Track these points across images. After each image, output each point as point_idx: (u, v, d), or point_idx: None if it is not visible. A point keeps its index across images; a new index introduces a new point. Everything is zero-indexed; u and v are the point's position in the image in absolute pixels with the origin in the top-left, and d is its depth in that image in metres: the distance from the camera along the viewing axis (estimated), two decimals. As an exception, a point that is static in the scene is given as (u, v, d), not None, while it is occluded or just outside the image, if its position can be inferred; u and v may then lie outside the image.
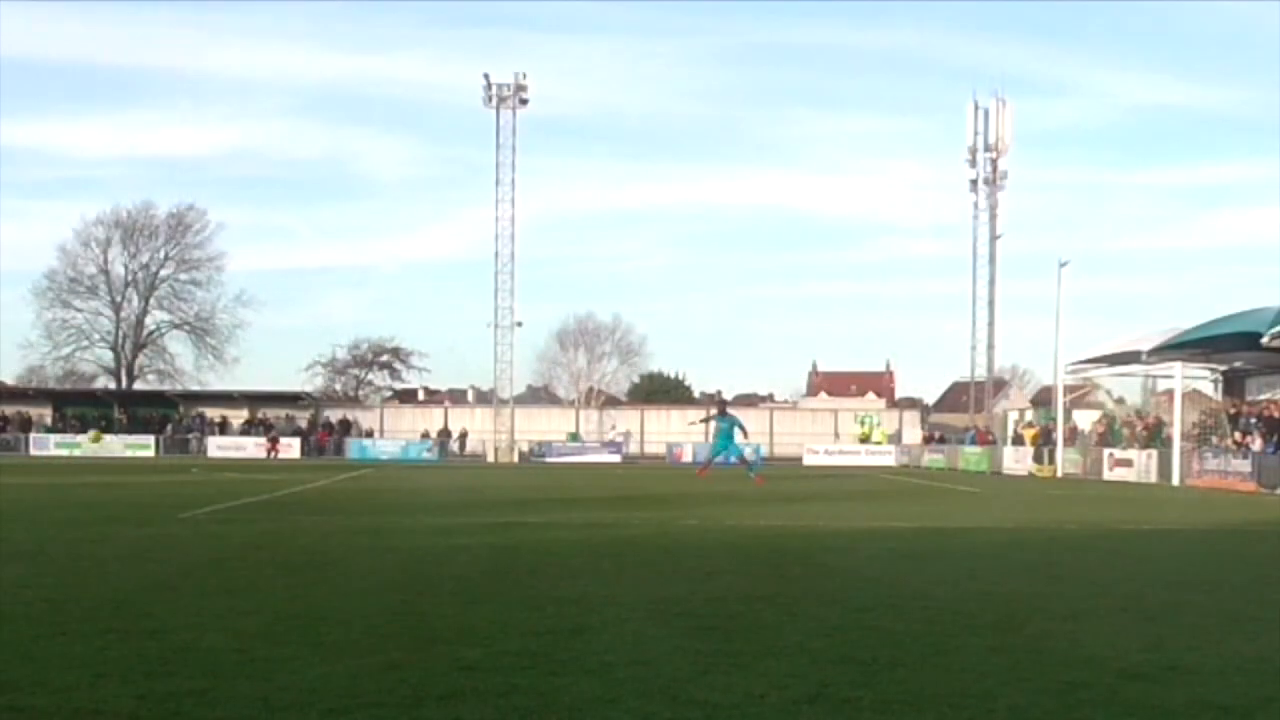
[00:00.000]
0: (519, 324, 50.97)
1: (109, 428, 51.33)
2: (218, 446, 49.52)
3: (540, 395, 75.89)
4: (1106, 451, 33.27)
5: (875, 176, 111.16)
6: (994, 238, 50.77)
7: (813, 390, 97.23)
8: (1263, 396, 30.82)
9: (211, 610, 6.17)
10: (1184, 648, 5.36)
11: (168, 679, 4.46)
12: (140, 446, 49.35)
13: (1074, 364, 36.86)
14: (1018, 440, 40.67)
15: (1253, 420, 27.77)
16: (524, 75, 49.99)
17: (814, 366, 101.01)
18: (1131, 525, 13.79)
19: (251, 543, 10.13)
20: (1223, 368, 32.77)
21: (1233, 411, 29.67)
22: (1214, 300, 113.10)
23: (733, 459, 27.78)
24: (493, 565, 8.54)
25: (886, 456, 48.14)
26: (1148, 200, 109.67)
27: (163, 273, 68.83)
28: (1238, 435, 27.97)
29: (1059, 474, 34.62)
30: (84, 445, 48.84)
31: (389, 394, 75.43)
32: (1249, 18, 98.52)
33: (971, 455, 41.63)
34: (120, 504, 15.44)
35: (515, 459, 48.28)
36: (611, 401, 70.20)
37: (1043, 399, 57.13)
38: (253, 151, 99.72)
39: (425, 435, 51.96)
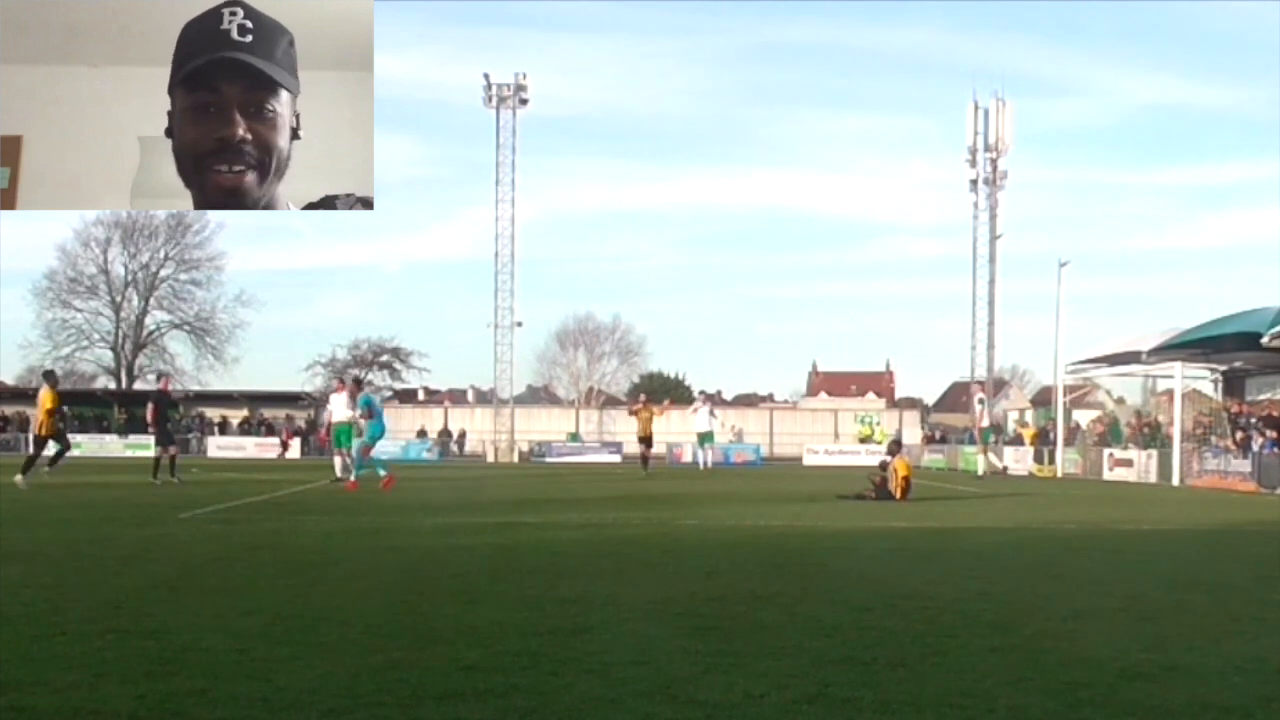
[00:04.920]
0: (519, 324, 51.02)
1: (109, 428, 51.26)
2: (218, 447, 49.65)
3: (540, 395, 75.98)
4: (1106, 451, 33.25)
5: (875, 176, 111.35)
6: (994, 238, 50.72)
7: (813, 390, 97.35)
8: (1263, 396, 30.81)
9: (211, 610, 6.17)
10: (1184, 648, 5.36)
11: (168, 679, 4.46)
12: (140, 446, 49.29)
13: (1074, 364, 36.87)
14: (1016, 440, 40.72)
15: (1253, 420, 27.77)
16: (524, 75, 49.98)
17: (814, 366, 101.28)
18: (1131, 525, 13.79)
19: (251, 543, 10.12)
20: (1223, 368, 32.75)
21: (1233, 411, 29.65)
22: (1214, 300, 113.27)
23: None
24: (493, 565, 8.53)
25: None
26: (1148, 200, 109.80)
27: (163, 273, 68.90)
28: (1238, 435, 27.96)
29: (1059, 474, 34.62)
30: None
31: (389, 394, 75.34)
32: (1249, 18, 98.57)
33: (972, 455, 41.55)
34: (120, 504, 15.43)
35: (515, 459, 48.24)
36: (611, 401, 70.16)
37: (1043, 399, 57.12)
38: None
39: (423, 433, 51.79)
